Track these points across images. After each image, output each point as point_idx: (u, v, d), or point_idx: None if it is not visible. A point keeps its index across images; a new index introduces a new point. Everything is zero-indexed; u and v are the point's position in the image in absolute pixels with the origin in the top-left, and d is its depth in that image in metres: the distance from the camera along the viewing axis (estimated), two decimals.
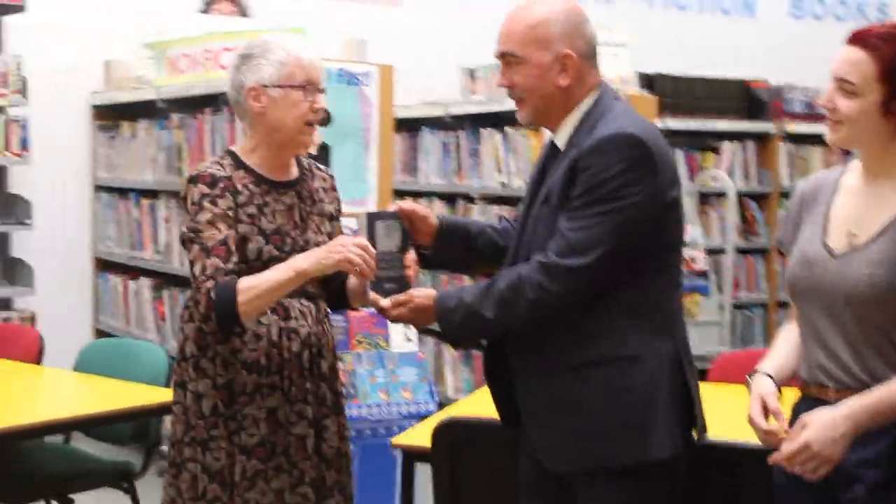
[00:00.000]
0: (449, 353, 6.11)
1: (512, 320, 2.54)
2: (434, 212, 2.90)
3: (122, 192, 6.01)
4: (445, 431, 2.95)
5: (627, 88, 5.79)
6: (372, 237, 2.70)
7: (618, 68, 5.85)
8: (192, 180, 2.81)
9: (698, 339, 5.66)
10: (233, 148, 2.94)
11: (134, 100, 5.78)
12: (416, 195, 6.44)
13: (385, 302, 2.64)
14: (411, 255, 2.74)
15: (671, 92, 7.02)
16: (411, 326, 3.59)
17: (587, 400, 2.54)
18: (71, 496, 3.84)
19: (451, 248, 2.84)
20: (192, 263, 2.75)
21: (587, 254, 2.47)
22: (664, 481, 2.56)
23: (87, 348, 4.33)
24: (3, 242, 6.01)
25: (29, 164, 5.79)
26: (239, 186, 2.82)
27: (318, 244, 2.86)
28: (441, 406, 4.45)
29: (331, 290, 3.01)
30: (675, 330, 2.64)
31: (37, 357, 4.31)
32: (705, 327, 5.68)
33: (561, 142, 2.63)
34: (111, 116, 6.14)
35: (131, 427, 3.87)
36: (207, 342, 2.81)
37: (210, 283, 2.69)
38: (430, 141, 6.28)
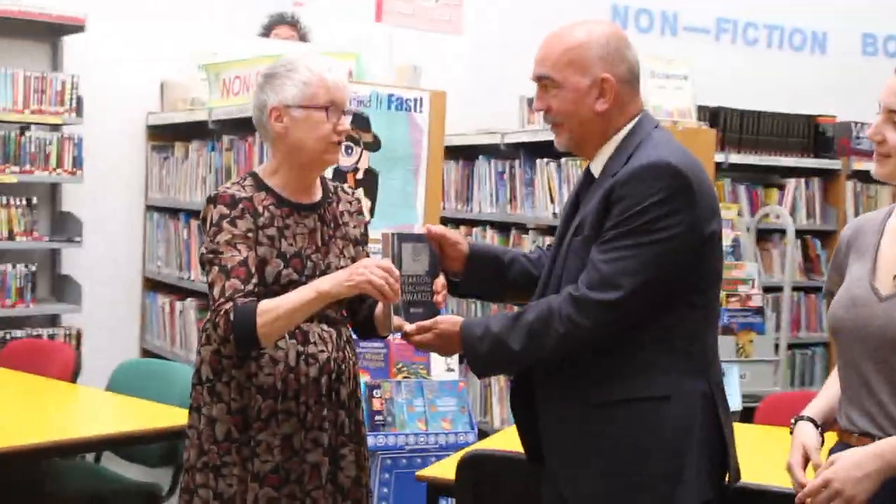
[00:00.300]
0: (498, 383, 6.00)
1: (540, 353, 2.44)
2: (467, 239, 2.82)
3: (173, 212, 6.00)
4: (469, 465, 2.85)
5: (687, 121, 5.68)
6: (397, 259, 2.61)
7: (678, 101, 5.74)
8: (212, 200, 2.75)
9: (751, 378, 5.50)
10: (256, 169, 2.88)
11: (187, 121, 5.77)
12: (469, 224, 6.36)
13: (410, 327, 2.55)
14: (441, 281, 2.65)
15: (736, 126, 6.92)
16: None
17: (613, 441, 2.43)
18: None
19: (482, 275, 2.74)
20: (210, 286, 2.68)
21: (619, 287, 2.36)
22: None
23: (120, 368, 4.29)
24: (53, 259, 6.02)
25: (82, 182, 5.80)
26: (259, 208, 2.76)
27: (339, 268, 2.79)
28: (483, 436, 4.34)
29: (359, 317, 2.93)
30: (709, 369, 2.51)
31: (72, 375, 4.28)
32: (759, 366, 5.50)
33: (596, 169, 2.54)
34: (165, 137, 6.14)
35: (160, 448, 3.82)
36: (223, 366, 2.75)
37: (229, 305, 2.61)
38: (484, 169, 6.19)
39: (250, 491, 2.71)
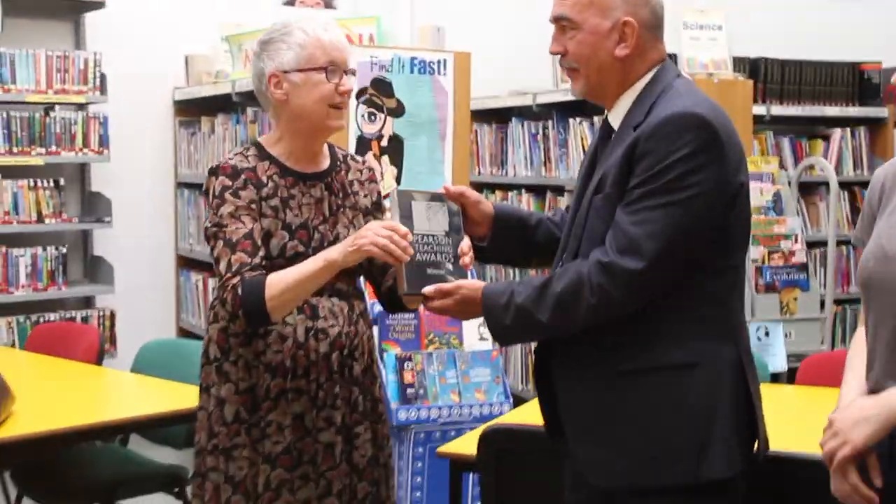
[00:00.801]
0: None
1: (569, 324, 2.29)
2: (493, 201, 2.67)
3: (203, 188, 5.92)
4: (491, 439, 2.74)
5: (722, 73, 5.51)
6: (406, 217, 2.46)
7: (713, 52, 5.56)
8: (213, 172, 2.65)
9: (796, 337, 5.32)
10: (260, 138, 2.77)
11: (213, 94, 5.69)
12: (504, 188, 6.22)
13: (429, 289, 2.39)
14: (466, 242, 2.50)
15: (777, 77, 6.72)
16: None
17: (638, 410, 2.29)
18: (120, 502, 3.73)
19: (508, 239, 2.61)
20: (216, 261, 2.58)
21: (650, 252, 2.21)
22: (722, 501, 2.30)
23: (145, 349, 4.22)
24: (85, 240, 5.98)
25: (109, 161, 5.74)
26: (263, 178, 2.65)
27: None
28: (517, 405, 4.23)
29: (384, 288, 2.82)
30: (737, 334, 2.37)
31: (97, 357, 4.22)
32: (805, 324, 5.32)
33: (615, 121, 2.38)
34: (192, 112, 6.06)
35: (186, 430, 3.74)
36: (230, 344, 2.66)
37: (236, 280, 2.51)
38: (517, 132, 6.05)
39: (261, 473, 2.61)
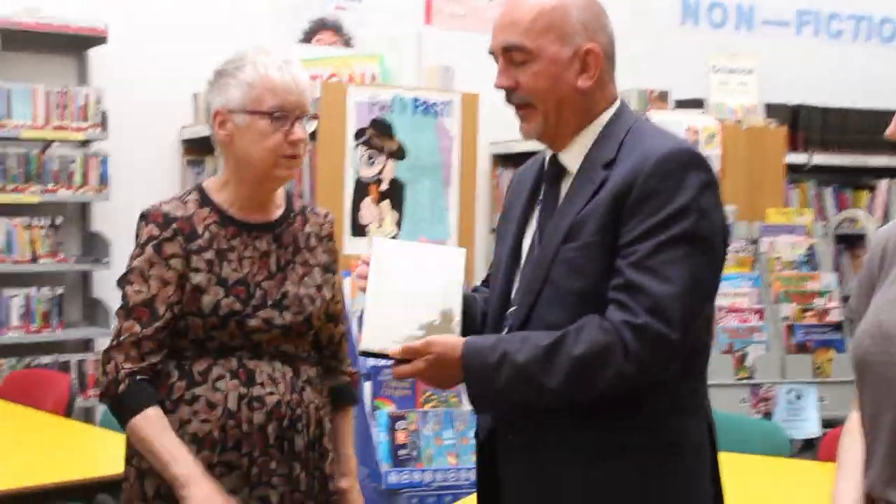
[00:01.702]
0: None
1: (584, 393, 1.97)
2: None
3: None
4: None
5: (752, 119, 5.20)
6: (385, 268, 2.10)
7: (743, 97, 5.26)
8: (143, 217, 2.41)
9: (830, 402, 4.97)
10: (206, 181, 2.51)
11: None
12: None
13: (392, 348, 2.01)
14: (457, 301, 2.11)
15: (820, 125, 6.40)
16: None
17: (610, 498, 2.01)
18: None
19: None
20: (117, 315, 2.38)
21: (682, 314, 1.92)
22: None
23: None
24: (84, 282, 5.76)
25: (108, 200, 5.53)
26: (199, 227, 2.38)
27: (300, 298, 2.42)
28: None
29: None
30: (707, 407, 2.12)
31: (66, 408, 3.98)
32: (840, 388, 4.96)
33: (572, 160, 2.08)
34: (200, 151, 5.84)
35: None
36: None
37: (125, 372, 2.31)
38: None
39: None
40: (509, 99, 2.09)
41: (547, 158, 2.16)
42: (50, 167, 5.36)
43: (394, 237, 4.38)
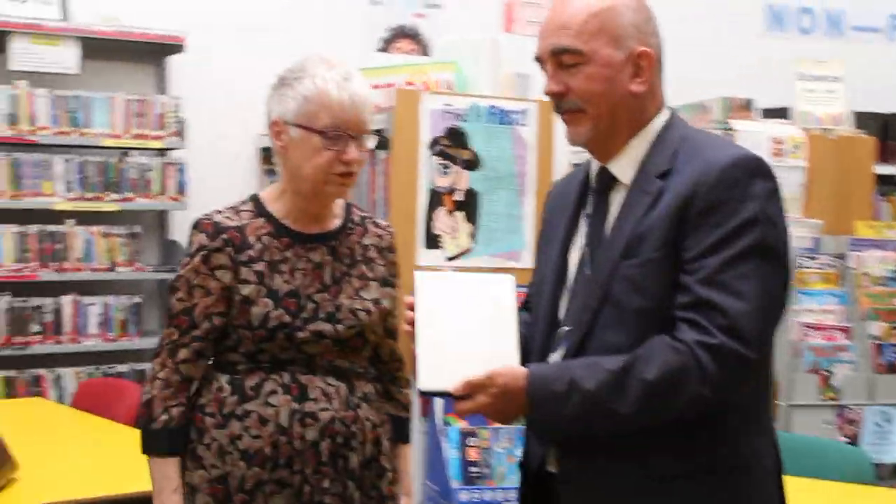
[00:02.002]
0: None
1: (657, 418, 1.88)
2: None
3: None
4: None
5: (841, 129, 5.02)
6: (431, 301, 2.00)
7: (830, 106, 5.09)
8: (195, 225, 2.39)
9: None
10: (263, 191, 2.47)
11: None
12: None
13: (455, 385, 1.90)
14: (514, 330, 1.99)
15: None
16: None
17: None
18: None
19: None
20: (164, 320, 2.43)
21: (758, 331, 1.85)
22: None
23: None
24: (162, 290, 5.77)
25: (186, 209, 5.53)
26: (251, 238, 2.34)
27: (354, 311, 2.36)
28: None
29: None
30: (773, 427, 2.04)
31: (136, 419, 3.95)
32: None
33: (623, 171, 2.00)
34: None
35: None
36: (205, 424, 2.34)
37: (159, 410, 2.35)
38: None
39: None
40: (558, 106, 2.01)
41: (593, 169, 2.08)
42: (128, 176, 5.39)
43: (468, 249, 4.30)
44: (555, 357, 2.02)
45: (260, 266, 2.33)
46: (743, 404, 1.93)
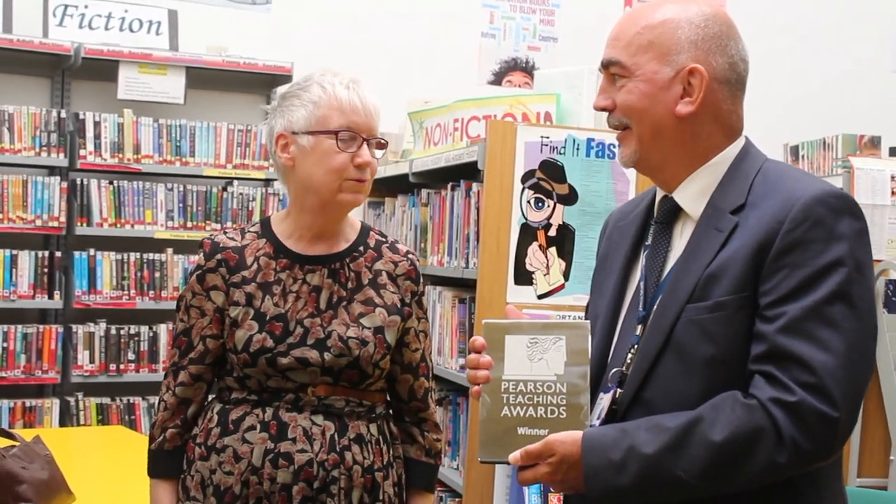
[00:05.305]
0: None
1: (724, 486, 1.69)
2: None
3: None
4: None
5: None
6: (496, 359, 1.84)
7: None
8: (201, 245, 2.35)
9: None
10: (274, 214, 2.41)
11: (394, 174, 5.34)
12: None
13: (513, 455, 1.76)
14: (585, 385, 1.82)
15: None
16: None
17: None
18: None
19: None
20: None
21: (848, 389, 1.65)
22: None
23: None
24: None
25: None
26: (249, 259, 2.27)
27: (345, 340, 2.22)
28: None
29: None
30: (845, 492, 1.83)
31: None
32: None
33: (691, 202, 1.82)
34: (379, 192, 5.74)
35: None
36: (194, 455, 2.28)
37: (159, 430, 2.34)
38: None
39: None
40: (609, 122, 1.87)
41: (657, 199, 1.90)
42: (230, 206, 5.37)
43: (560, 287, 4.12)
44: (605, 399, 1.84)
45: (250, 287, 2.26)
46: (821, 469, 1.72)
